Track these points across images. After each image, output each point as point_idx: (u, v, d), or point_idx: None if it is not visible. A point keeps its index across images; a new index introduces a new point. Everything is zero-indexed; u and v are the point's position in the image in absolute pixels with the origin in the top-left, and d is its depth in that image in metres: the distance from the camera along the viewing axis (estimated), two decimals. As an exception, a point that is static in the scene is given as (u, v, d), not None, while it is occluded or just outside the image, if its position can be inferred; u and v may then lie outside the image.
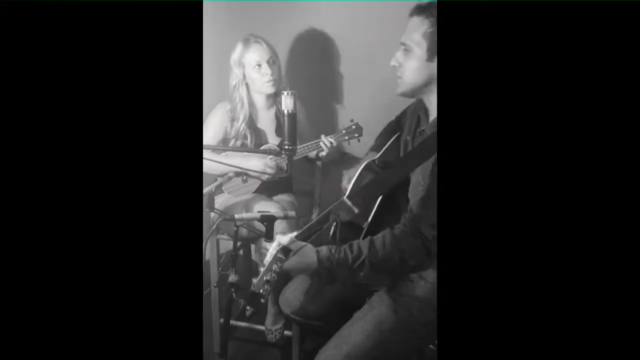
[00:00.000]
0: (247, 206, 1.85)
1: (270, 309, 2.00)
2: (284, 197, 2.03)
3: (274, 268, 1.11)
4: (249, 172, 1.86)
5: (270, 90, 1.88)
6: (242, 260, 2.30)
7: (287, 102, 1.21)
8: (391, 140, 1.47)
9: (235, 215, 1.26)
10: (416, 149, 1.22)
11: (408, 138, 1.38)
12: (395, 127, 1.57)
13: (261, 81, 1.86)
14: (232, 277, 1.23)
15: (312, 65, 2.22)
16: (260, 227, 1.29)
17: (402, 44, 1.23)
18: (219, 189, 1.92)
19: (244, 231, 1.37)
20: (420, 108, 1.34)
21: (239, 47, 1.86)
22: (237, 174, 1.87)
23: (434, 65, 1.19)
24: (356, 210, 1.21)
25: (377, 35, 2.04)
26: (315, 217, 2.05)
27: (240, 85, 1.88)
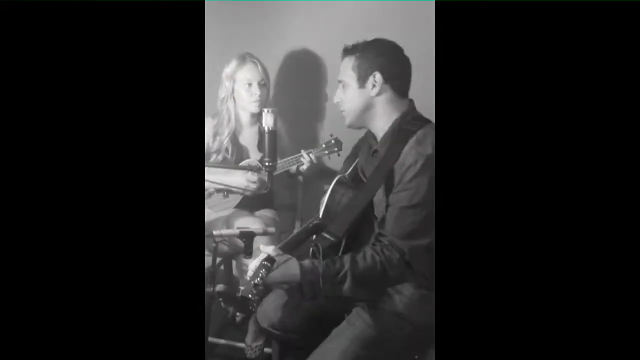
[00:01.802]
0: (227, 222, 1.84)
1: (251, 326, 1.98)
2: (265, 213, 2.03)
3: (261, 274, 1.11)
4: (231, 189, 1.86)
5: (255, 109, 1.91)
6: (222, 275, 2.28)
7: (267, 120, 1.22)
8: (354, 164, 1.52)
9: (214, 232, 1.26)
10: (376, 170, 1.30)
11: (363, 166, 1.45)
12: (355, 152, 1.62)
13: (248, 100, 1.89)
14: (220, 287, 1.23)
15: (298, 83, 2.23)
16: (240, 243, 1.29)
17: (339, 81, 1.34)
18: (199, 204, 1.91)
19: (224, 247, 1.37)
20: (369, 136, 1.43)
21: (234, 63, 1.89)
22: (218, 190, 1.88)
23: (366, 92, 1.30)
24: (333, 239, 1.27)
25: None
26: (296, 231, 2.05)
27: (228, 99, 1.91)
